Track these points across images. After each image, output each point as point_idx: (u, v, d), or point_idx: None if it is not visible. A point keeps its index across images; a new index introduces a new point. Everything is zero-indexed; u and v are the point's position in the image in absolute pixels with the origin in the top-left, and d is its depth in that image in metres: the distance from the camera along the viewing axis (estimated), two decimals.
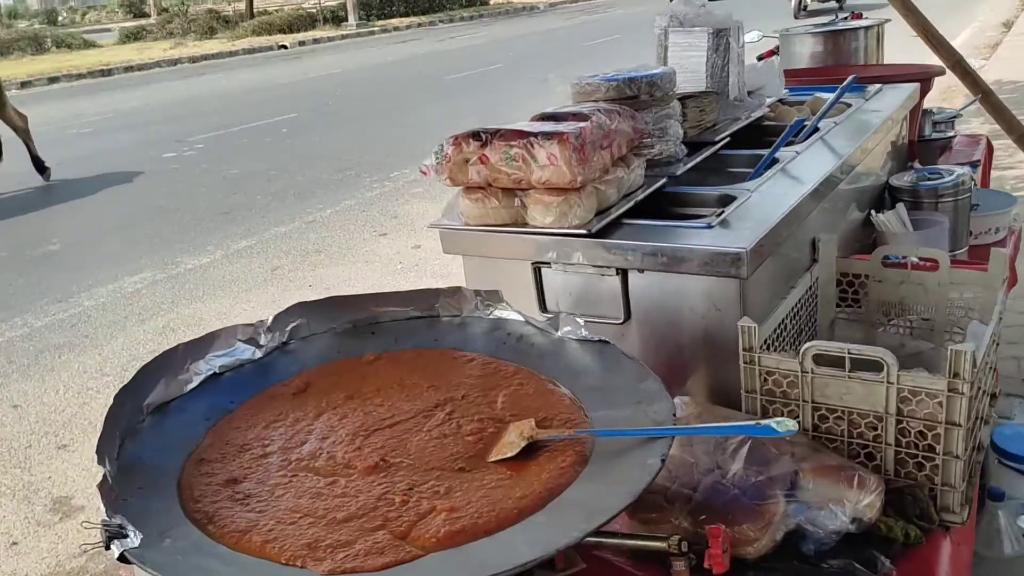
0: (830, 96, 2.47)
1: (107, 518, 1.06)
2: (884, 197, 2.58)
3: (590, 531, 1.04)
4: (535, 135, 1.67)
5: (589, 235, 1.69)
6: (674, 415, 1.28)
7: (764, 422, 1.21)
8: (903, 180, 2.52)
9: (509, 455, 1.27)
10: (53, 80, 20.17)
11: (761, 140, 2.41)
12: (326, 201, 7.73)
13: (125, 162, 10.06)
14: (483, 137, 1.72)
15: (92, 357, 4.89)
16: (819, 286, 1.97)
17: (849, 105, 2.63)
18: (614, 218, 1.76)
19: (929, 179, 2.49)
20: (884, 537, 1.44)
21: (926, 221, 2.39)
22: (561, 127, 1.69)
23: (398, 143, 9.61)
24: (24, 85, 19.42)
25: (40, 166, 9.29)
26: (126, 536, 1.05)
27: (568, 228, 1.70)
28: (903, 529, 1.44)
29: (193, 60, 22.89)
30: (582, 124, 1.69)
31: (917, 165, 2.83)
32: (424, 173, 1.77)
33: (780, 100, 2.73)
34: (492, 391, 1.44)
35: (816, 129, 2.37)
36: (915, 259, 1.96)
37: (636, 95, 2.05)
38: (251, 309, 5.17)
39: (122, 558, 1.03)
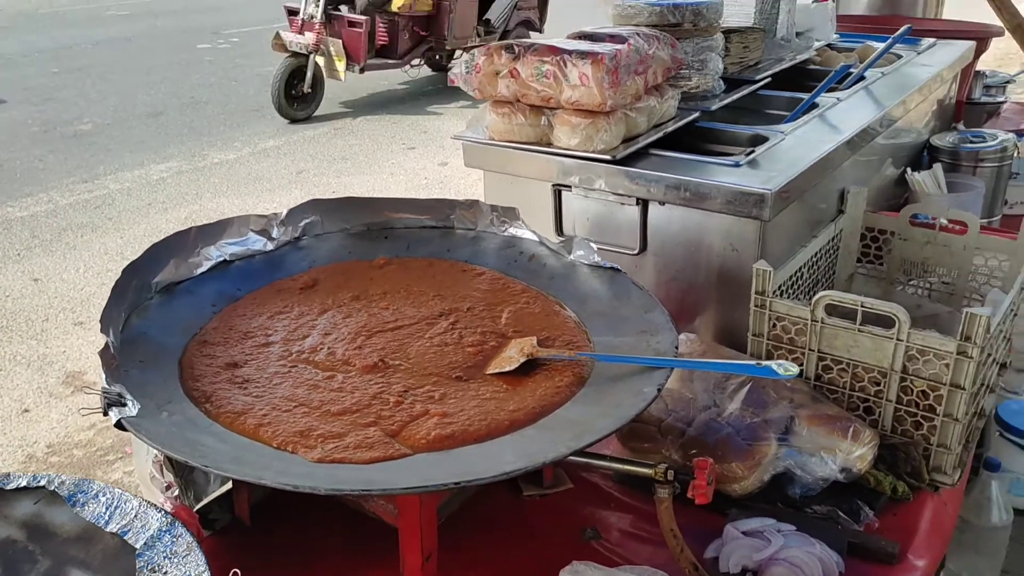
0: (880, 45, 2.38)
1: (107, 385, 1.08)
2: (923, 156, 2.51)
3: (576, 449, 1.05)
4: (569, 53, 1.62)
5: (613, 161, 1.66)
6: (676, 348, 1.28)
7: (765, 363, 1.21)
8: (944, 140, 2.45)
9: (507, 369, 1.27)
10: None
11: (804, 83, 2.33)
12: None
13: (160, 48, 9.99)
14: (515, 50, 1.67)
15: (114, 239, 4.94)
16: (842, 238, 1.94)
17: (899, 57, 2.54)
18: (641, 147, 1.72)
19: (971, 142, 2.42)
20: (872, 490, 1.44)
21: (962, 184, 2.33)
22: (597, 47, 1.64)
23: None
24: None
25: None
26: (124, 405, 1.07)
27: (593, 152, 1.67)
28: (892, 484, 1.45)
29: None
30: (618, 46, 1.64)
31: (961, 127, 2.75)
32: (452, 82, 1.73)
33: (829, 45, 2.65)
34: (498, 306, 1.44)
35: (862, 78, 2.30)
36: (944, 221, 1.92)
37: (679, 23, 1.98)
38: (273, 209, 5.19)
39: (119, 425, 1.05)
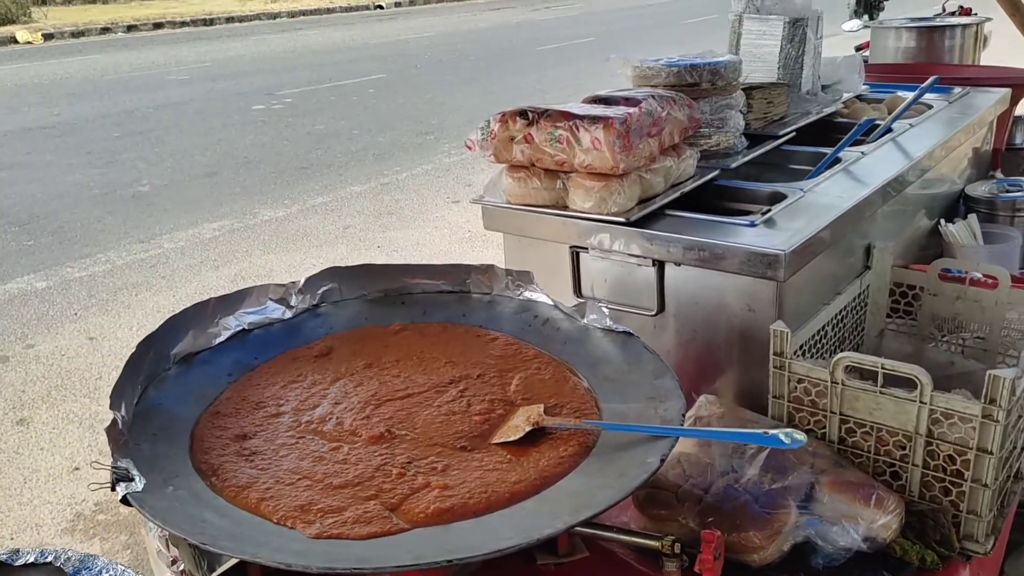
0: (910, 96, 2.36)
1: (115, 461, 1.11)
2: (958, 206, 2.46)
3: (574, 524, 1.04)
4: (581, 118, 1.64)
5: (627, 223, 1.66)
6: (683, 415, 1.26)
7: (772, 432, 1.18)
8: (980, 190, 2.40)
9: (512, 438, 1.27)
10: (158, 26, 20.85)
11: (831, 137, 2.31)
12: (403, 164, 7.82)
13: (217, 111, 10.36)
14: (529, 116, 1.70)
15: (167, 298, 5.09)
16: (870, 295, 1.90)
17: (930, 107, 2.51)
18: (656, 208, 1.72)
19: (1008, 191, 2.37)
20: (899, 560, 1.39)
21: (999, 235, 2.27)
22: (609, 112, 1.66)
23: (481, 111, 9.60)
24: (130, 29, 20.13)
25: None
26: (132, 480, 1.10)
27: (607, 215, 1.68)
28: (919, 553, 1.39)
29: (291, 15, 23.32)
30: (630, 110, 1.66)
31: (999, 175, 2.69)
32: (469, 148, 1.77)
33: (858, 96, 2.63)
34: (508, 372, 1.44)
35: (889, 130, 2.27)
36: (977, 275, 1.87)
37: (697, 83, 1.99)
38: (320, 265, 5.29)
39: (124, 500, 1.07)
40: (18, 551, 1.08)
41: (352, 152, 8.33)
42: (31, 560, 1.07)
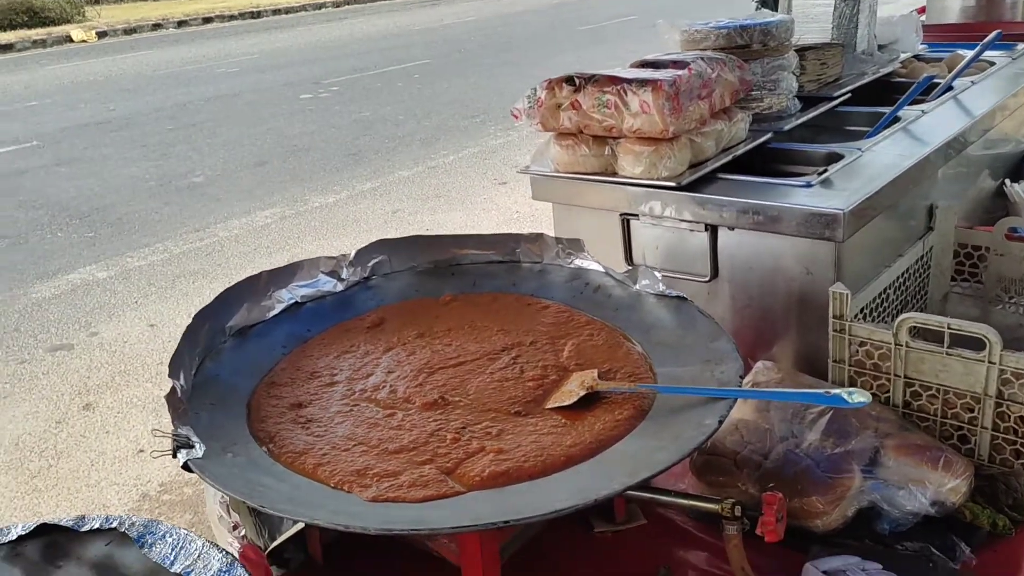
0: (970, 53, 2.27)
1: (176, 428, 1.13)
2: (1023, 165, 2.37)
3: (631, 485, 1.02)
4: (629, 82, 1.61)
5: (679, 188, 1.63)
6: (740, 377, 1.23)
7: (835, 391, 1.15)
8: None
9: (567, 403, 1.26)
10: (207, 20, 21.18)
11: (888, 98, 2.24)
12: (450, 147, 7.83)
13: (266, 101, 10.49)
14: (576, 82, 1.68)
15: (223, 284, 5.12)
16: (933, 256, 1.84)
17: (992, 63, 2.41)
18: (708, 172, 1.69)
19: None
20: (968, 524, 1.35)
21: None
22: (657, 75, 1.63)
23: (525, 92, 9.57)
24: (180, 24, 20.49)
25: None
26: (192, 447, 1.11)
27: (658, 180, 1.65)
28: (991, 518, 1.35)
29: (336, 4, 23.48)
30: (679, 72, 1.62)
31: None
32: (515, 116, 1.75)
33: (916, 56, 2.54)
34: (561, 339, 1.43)
35: (950, 88, 2.19)
36: None
37: (748, 44, 1.94)
38: None
39: (186, 467, 1.09)
40: (83, 518, 1.10)
41: (399, 137, 8.37)
42: (96, 526, 1.09)
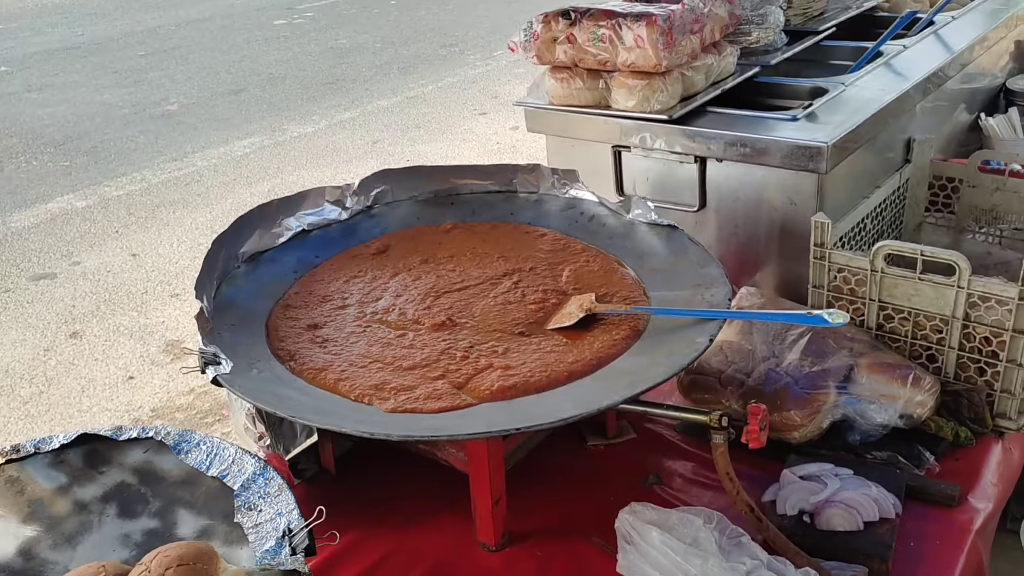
0: None
1: (203, 346, 1.20)
2: (999, 100, 2.45)
3: (630, 396, 1.11)
4: (624, 16, 1.66)
5: (670, 121, 1.69)
6: (729, 300, 1.32)
7: (816, 312, 1.24)
8: (1020, 83, 2.38)
9: (567, 324, 1.34)
10: None
11: (871, 32, 2.30)
12: (428, 77, 7.75)
13: (239, 26, 10.25)
14: (572, 16, 1.72)
15: (203, 215, 5.18)
16: (909, 188, 1.93)
17: None
18: (698, 105, 1.75)
19: None
20: (933, 435, 1.47)
21: None
22: (651, 9, 1.67)
23: (505, 21, 9.43)
24: None
25: None
26: (219, 363, 1.18)
27: (650, 113, 1.71)
28: (954, 430, 1.47)
29: None
30: (672, 7, 1.67)
31: None
32: (512, 49, 1.79)
33: None
34: (559, 265, 1.51)
35: (931, 23, 2.25)
36: (1016, 166, 1.89)
37: None
38: (350, 179, 5.34)
39: (215, 381, 1.16)
40: (121, 428, 1.18)
41: (377, 66, 8.25)
42: (134, 435, 1.17)
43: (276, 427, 1.36)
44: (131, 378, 3.75)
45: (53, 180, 5.91)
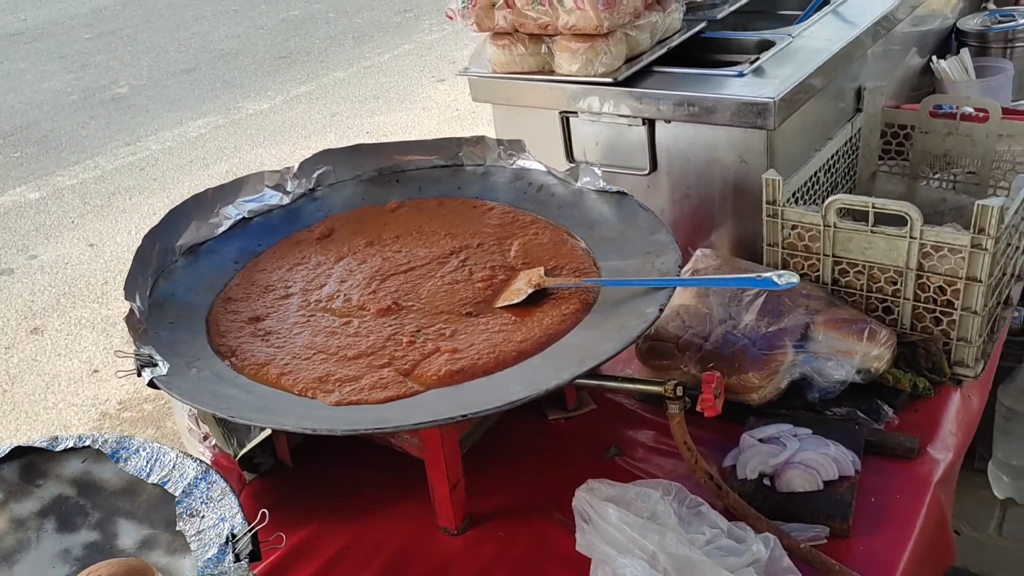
0: None
1: (138, 348, 1.15)
2: (950, 41, 2.42)
3: (579, 374, 1.09)
4: None
5: (615, 84, 1.65)
6: (680, 267, 1.30)
7: (765, 275, 1.22)
8: (971, 23, 2.35)
9: (516, 301, 1.31)
10: None
11: None
12: (384, 45, 7.61)
13: (187, 3, 9.99)
14: None
15: (161, 200, 5.07)
16: (861, 137, 1.91)
17: None
18: (644, 66, 1.71)
19: (1001, 21, 2.32)
20: (892, 388, 1.46)
21: (992, 68, 2.25)
22: None
23: None
24: None
25: None
26: (155, 365, 1.15)
27: (595, 76, 1.66)
28: (912, 381, 1.46)
29: None
30: None
31: (992, 6, 2.62)
32: (450, 17, 1.73)
33: None
34: (507, 240, 1.47)
35: None
36: (968, 109, 1.87)
37: None
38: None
39: (152, 384, 1.12)
40: (57, 438, 1.14)
41: (331, 37, 8.09)
42: (70, 445, 1.13)
43: (225, 423, 1.33)
44: (96, 371, 3.69)
45: (4, 172, 5.76)
